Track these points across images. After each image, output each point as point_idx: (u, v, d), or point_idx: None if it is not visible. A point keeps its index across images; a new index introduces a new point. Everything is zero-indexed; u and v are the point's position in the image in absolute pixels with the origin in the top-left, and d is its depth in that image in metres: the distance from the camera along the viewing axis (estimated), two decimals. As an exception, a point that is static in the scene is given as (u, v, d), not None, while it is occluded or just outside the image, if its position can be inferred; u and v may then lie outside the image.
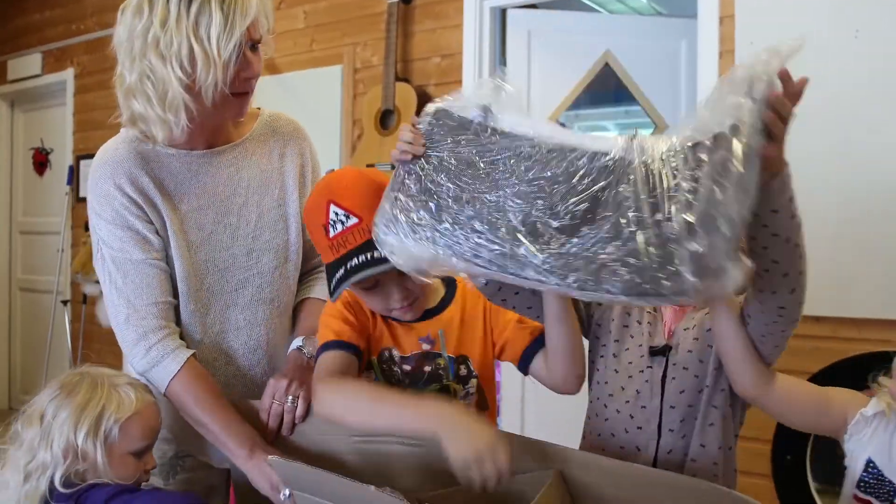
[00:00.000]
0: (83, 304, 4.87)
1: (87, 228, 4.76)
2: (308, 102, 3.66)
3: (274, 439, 1.44)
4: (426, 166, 1.10)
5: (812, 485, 2.53)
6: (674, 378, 1.35)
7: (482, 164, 1.06)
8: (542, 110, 3.44)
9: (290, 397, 1.43)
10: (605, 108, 5.12)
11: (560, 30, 3.50)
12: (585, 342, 1.43)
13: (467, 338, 1.43)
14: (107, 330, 5.33)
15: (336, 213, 1.27)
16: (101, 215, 1.51)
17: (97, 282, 4.99)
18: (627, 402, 1.38)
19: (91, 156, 5.08)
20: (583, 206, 0.98)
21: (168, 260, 1.53)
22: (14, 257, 5.70)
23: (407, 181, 1.11)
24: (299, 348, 1.56)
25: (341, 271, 1.25)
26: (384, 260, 1.14)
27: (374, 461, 1.35)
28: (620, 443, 1.37)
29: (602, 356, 1.44)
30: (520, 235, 1.00)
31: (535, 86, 3.44)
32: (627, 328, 1.43)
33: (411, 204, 1.08)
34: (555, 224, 0.99)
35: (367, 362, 1.43)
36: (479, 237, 1.02)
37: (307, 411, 1.43)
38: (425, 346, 1.42)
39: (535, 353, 1.38)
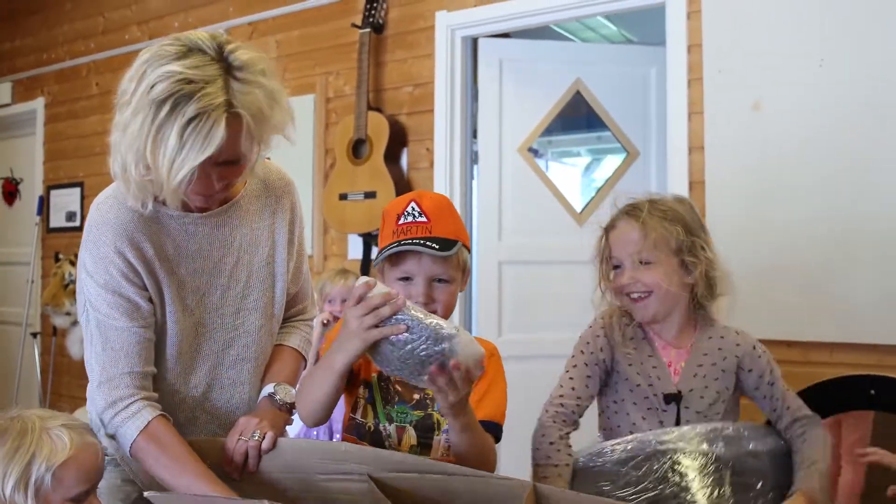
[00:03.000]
0: (53, 336, 4.80)
1: (56, 259, 4.71)
2: (281, 131, 3.65)
3: (239, 475, 1.42)
4: None
5: None
6: (687, 421, 1.56)
7: None
8: (513, 138, 3.47)
9: (257, 433, 1.41)
10: (576, 134, 5.18)
11: (531, 58, 3.53)
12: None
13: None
14: (77, 362, 5.26)
15: (413, 208, 1.45)
16: (93, 276, 1.46)
17: (67, 313, 4.89)
18: None
19: (61, 185, 4.98)
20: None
21: (157, 326, 1.50)
22: (-18, 289, 5.62)
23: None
24: (270, 395, 1.55)
25: (394, 246, 1.41)
26: (431, 250, 1.38)
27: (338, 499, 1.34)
28: None
29: (614, 401, 1.65)
30: None
31: (506, 114, 3.47)
32: (629, 372, 1.62)
33: None
34: None
35: (364, 381, 1.45)
36: None
37: (273, 445, 1.42)
38: None
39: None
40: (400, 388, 1.45)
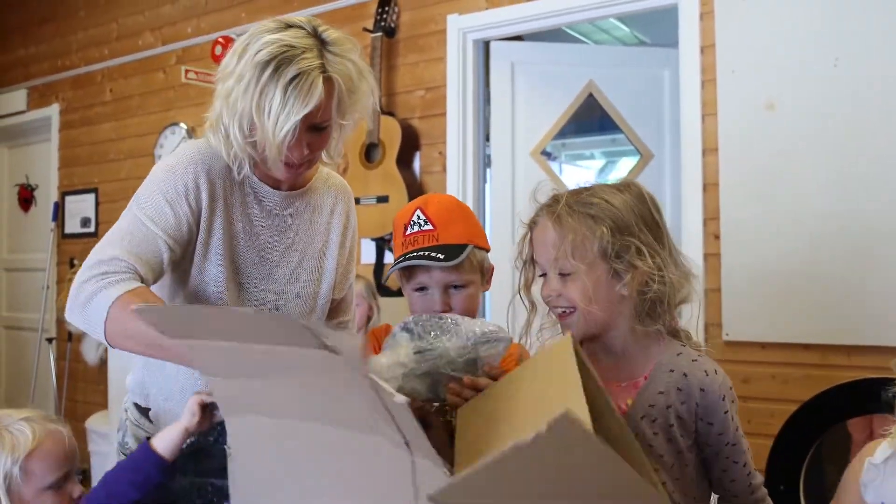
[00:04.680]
0: (68, 341, 4.82)
1: (71, 265, 4.73)
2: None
3: None
4: None
5: (806, 513, 2.52)
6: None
7: None
8: (526, 141, 3.46)
9: None
10: (590, 137, 5.16)
11: (543, 61, 3.52)
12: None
13: None
14: (92, 368, 5.29)
15: (418, 216, 1.44)
16: (157, 183, 1.50)
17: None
18: None
19: (75, 191, 5.01)
20: None
21: (196, 267, 1.53)
22: (-1, 295, 5.66)
23: None
24: None
25: (402, 260, 1.41)
26: (437, 262, 1.37)
27: None
28: None
29: None
30: None
31: (519, 117, 3.46)
32: None
33: None
34: None
35: None
36: None
37: None
38: None
39: None
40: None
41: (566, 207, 1.28)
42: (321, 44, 1.45)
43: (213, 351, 1.08)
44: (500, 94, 3.47)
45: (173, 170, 1.51)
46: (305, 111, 1.39)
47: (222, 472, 1.24)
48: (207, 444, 1.35)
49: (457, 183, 3.38)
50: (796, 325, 2.57)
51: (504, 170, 3.46)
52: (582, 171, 6.17)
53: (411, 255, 1.40)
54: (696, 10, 2.83)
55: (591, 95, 3.49)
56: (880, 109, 2.49)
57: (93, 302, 1.35)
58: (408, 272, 1.43)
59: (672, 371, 1.28)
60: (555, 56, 3.56)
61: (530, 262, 1.38)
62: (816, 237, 2.56)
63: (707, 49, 2.81)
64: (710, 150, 2.80)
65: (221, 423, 1.27)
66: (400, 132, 3.41)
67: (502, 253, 3.38)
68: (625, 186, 1.33)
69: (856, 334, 2.49)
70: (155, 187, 1.49)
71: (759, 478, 1.33)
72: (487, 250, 1.51)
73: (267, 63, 1.38)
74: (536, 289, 1.40)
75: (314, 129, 1.46)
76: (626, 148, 4.35)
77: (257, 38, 1.42)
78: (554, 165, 4.48)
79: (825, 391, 2.44)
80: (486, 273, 1.50)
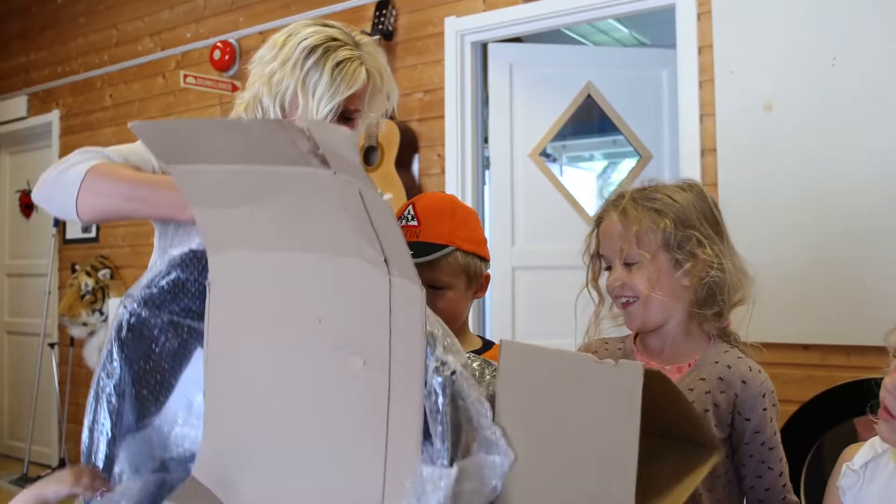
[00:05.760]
0: (70, 346, 4.82)
1: (73, 270, 4.74)
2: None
3: None
4: None
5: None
6: None
7: None
8: (525, 143, 3.46)
9: None
10: (589, 138, 5.16)
11: (542, 62, 3.52)
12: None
13: None
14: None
15: (408, 212, 1.46)
16: None
17: (84, 324, 4.90)
18: None
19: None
20: None
21: None
22: (1, 300, 5.66)
23: None
24: None
25: None
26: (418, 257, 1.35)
27: None
28: None
29: None
30: None
31: (517, 118, 3.46)
32: None
33: None
34: None
35: None
36: None
37: None
38: None
39: None
40: None
41: (631, 201, 1.36)
42: (356, 44, 1.55)
43: (206, 176, 1.08)
44: (499, 96, 3.47)
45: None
46: (350, 92, 1.50)
47: (200, 315, 1.23)
48: (189, 281, 1.32)
49: (455, 185, 3.38)
50: (796, 325, 2.56)
51: (503, 172, 3.46)
52: (582, 172, 6.17)
53: None
54: (694, 11, 2.83)
55: (589, 97, 3.49)
56: (878, 109, 2.48)
57: (71, 171, 1.39)
58: None
59: (717, 362, 1.34)
60: (553, 57, 3.56)
61: (597, 255, 1.43)
62: (815, 237, 2.55)
63: (705, 49, 2.81)
64: (708, 150, 2.79)
65: (205, 263, 1.22)
66: (398, 135, 3.41)
67: (501, 252, 3.41)
68: (687, 186, 1.41)
69: (856, 335, 2.48)
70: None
71: (795, 498, 1.36)
72: (480, 256, 1.47)
73: (315, 48, 1.49)
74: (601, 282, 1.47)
75: (344, 119, 1.56)
76: (625, 149, 4.35)
77: (299, 31, 1.53)
78: (553, 167, 4.47)
79: (825, 392, 2.44)
80: (473, 278, 1.45)
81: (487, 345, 1.55)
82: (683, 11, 2.86)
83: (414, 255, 1.32)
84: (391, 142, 3.41)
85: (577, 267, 1.57)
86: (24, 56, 5.33)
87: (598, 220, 1.43)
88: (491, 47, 3.46)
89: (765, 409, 1.31)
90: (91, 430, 1.19)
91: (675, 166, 3.15)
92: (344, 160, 0.93)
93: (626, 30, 4.82)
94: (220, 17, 4.23)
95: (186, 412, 1.21)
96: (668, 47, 3.25)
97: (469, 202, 3.38)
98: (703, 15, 2.81)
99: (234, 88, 3.99)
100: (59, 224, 5.00)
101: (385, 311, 1.04)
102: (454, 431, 0.95)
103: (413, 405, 0.98)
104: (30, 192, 5.36)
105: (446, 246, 1.40)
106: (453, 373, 0.94)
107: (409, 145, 3.48)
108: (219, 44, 4.07)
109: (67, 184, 1.38)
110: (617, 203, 1.38)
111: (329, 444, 1.06)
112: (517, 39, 3.57)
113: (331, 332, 1.08)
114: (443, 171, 3.42)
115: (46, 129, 5.12)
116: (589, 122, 3.88)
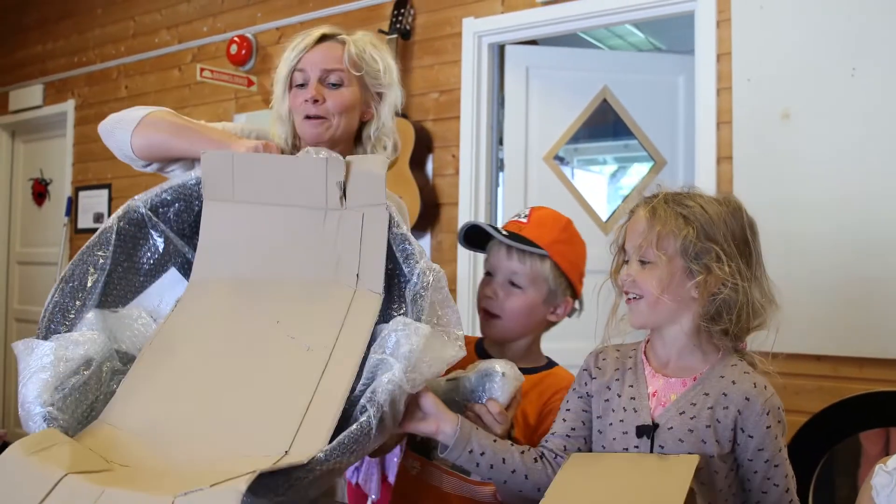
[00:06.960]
0: (79, 335, 4.83)
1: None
2: (307, 136, 3.66)
3: None
4: None
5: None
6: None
7: None
8: (539, 146, 3.45)
9: None
10: (603, 142, 5.15)
11: (558, 66, 3.52)
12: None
13: (519, 410, 1.45)
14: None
15: (522, 211, 1.58)
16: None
17: (93, 314, 4.86)
18: None
19: (89, 187, 5.02)
20: None
21: None
22: (11, 288, 5.67)
23: None
24: None
25: (471, 223, 1.62)
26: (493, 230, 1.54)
27: None
28: None
29: (600, 433, 1.39)
30: None
31: (532, 121, 3.46)
32: (609, 402, 1.37)
33: None
34: None
35: None
36: None
37: None
38: None
39: None
40: None
41: (663, 202, 1.34)
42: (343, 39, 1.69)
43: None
44: (514, 98, 3.46)
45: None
46: (293, 54, 1.62)
47: (186, 237, 1.46)
48: (193, 196, 1.47)
49: (469, 186, 3.37)
50: (808, 335, 2.55)
51: (517, 174, 3.46)
52: (594, 176, 6.16)
53: (486, 225, 1.55)
54: (713, 18, 2.82)
55: (605, 101, 3.48)
56: (897, 120, 2.47)
57: (133, 112, 1.63)
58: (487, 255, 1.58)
59: (722, 377, 1.32)
60: (569, 61, 3.55)
61: (621, 248, 1.42)
62: (830, 248, 2.54)
63: (723, 57, 2.80)
64: (724, 158, 2.78)
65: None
66: (413, 134, 3.41)
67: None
68: (724, 200, 1.39)
69: (868, 346, 2.48)
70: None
71: None
72: (569, 282, 1.55)
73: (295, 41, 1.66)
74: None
75: (330, 85, 1.63)
76: (638, 154, 4.33)
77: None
78: (566, 170, 4.47)
79: (836, 403, 2.43)
80: (552, 295, 1.53)
81: (549, 364, 1.59)
82: (703, 18, 2.85)
83: (506, 237, 1.50)
84: (406, 141, 3.41)
85: (588, 270, 1.61)
86: (40, 45, 5.34)
87: (631, 213, 1.42)
88: (508, 49, 3.46)
89: (768, 427, 1.28)
90: (65, 283, 1.44)
91: (689, 173, 3.14)
92: (371, 178, 1.17)
93: (641, 34, 4.81)
94: (238, 11, 4.23)
95: (148, 315, 1.42)
96: (684, 53, 3.24)
97: (482, 204, 3.37)
98: (723, 22, 2.81)
99: (251, 83, 3.99)
100: (72, 213, 5.02)
101: (342, 314, 1.26)
102: None
103: (346, 372, 1.18)
104: (43, 180, 5.40)
105: (540, 248, 1.49)
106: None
107: (423, 145, 3.48)
108: (236, 38, 4.07)
109: (127, 122, 1.60)
110: (650, 200, 1.37)
111: (258, 393, 1.23)
112: (533, 42, 3.56)
113: (286, 329, 1.28)
114: (457, 172, 3.42)
115: (61, 118, 5.13)
116: (603, 125, 3.87)
